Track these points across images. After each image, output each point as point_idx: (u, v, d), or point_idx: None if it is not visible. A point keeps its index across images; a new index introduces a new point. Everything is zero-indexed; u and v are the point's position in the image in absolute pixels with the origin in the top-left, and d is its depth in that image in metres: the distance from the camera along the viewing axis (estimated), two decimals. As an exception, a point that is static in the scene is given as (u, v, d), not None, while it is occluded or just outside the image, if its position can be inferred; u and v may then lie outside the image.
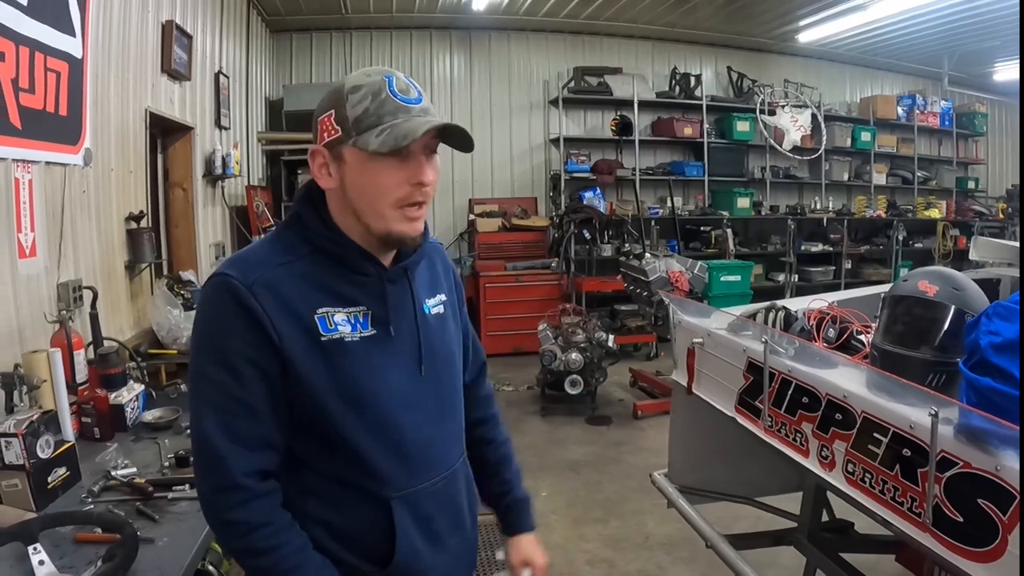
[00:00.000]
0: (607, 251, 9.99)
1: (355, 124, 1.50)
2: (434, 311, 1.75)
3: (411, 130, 1.48)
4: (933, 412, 1.91)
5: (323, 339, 1.53)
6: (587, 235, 9.74)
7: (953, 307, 2.43)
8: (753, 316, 3.22)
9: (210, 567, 2.67)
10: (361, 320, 1.58)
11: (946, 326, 2.41)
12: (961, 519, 1.89)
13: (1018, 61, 9.81)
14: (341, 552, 1.60)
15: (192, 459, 1.59)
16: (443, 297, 1.80)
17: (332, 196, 1.60)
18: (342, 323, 1.56)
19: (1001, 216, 12.78)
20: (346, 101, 1.52)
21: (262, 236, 1.89)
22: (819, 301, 3.32)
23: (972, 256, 4.53)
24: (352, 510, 1.60)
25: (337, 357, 1.54)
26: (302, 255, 1.58)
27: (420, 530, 1.65)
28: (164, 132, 5.77)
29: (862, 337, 2.95)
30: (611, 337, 7.60)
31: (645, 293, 7.35)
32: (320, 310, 1.54)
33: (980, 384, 1.95)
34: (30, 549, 2.01)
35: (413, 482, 1.64)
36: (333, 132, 1.54)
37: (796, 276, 10.93)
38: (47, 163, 3.44)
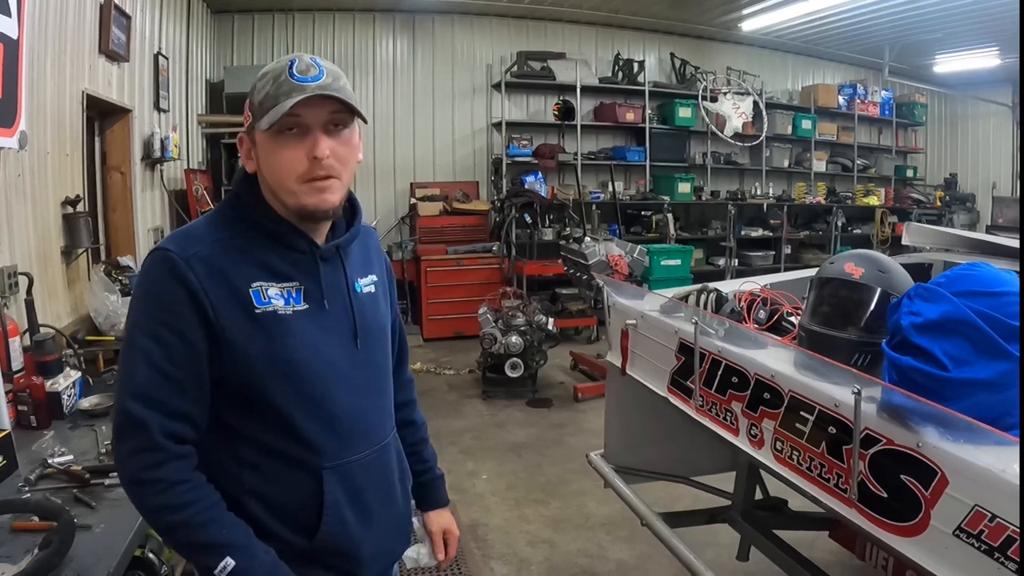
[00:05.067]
0: (548, 235, 10.08)
1: (259, 108, 1.56)
2: (366, 290, 1.79)
3: (286, 105, 1.52)
4: (856, 390, 1.97)
5: (257, 312, 1.57)
6: (528, 219, 9.78)
7: (879, 289, 2.46)
8: (685, 298, 3.25)
9: (150, 554, 2.66)
10: (294, 295, 1.62)
11: (871, 307, 2.45)
12: (885, 495, 1.95)
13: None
14: (274, 524, 1.62)
15: (112, 421, 1.60)
16: (374, 278, 1.84)
17: (260, 179, 1.65)
18: (276, 297, 1.60)
19: (938, 204, 13.16)
20: (255, 88, 1.59)
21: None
22: (751, 283, 3.38)
23: (905, 241, 4.61)
24: (286, 481, 1.63)
25: (271, 330, 1.58)
26: (239, 231, 1.62)
27: (350, 502, 1.69)
28: (101, 115, 5.67)
29: (792, 319, 3.01)
30: (551, 320, 7.68)
31: (585, 277, 7.40)
32: (254, 284, 1.58)
33: (902, 363, 2.00)
34: (-35, 538, 1.99)
35: (345, 453, 1.68)
36: (248, 119, 1.61)
37: (736, 261, 11.07)
38: (-20, 146, 3.38)
